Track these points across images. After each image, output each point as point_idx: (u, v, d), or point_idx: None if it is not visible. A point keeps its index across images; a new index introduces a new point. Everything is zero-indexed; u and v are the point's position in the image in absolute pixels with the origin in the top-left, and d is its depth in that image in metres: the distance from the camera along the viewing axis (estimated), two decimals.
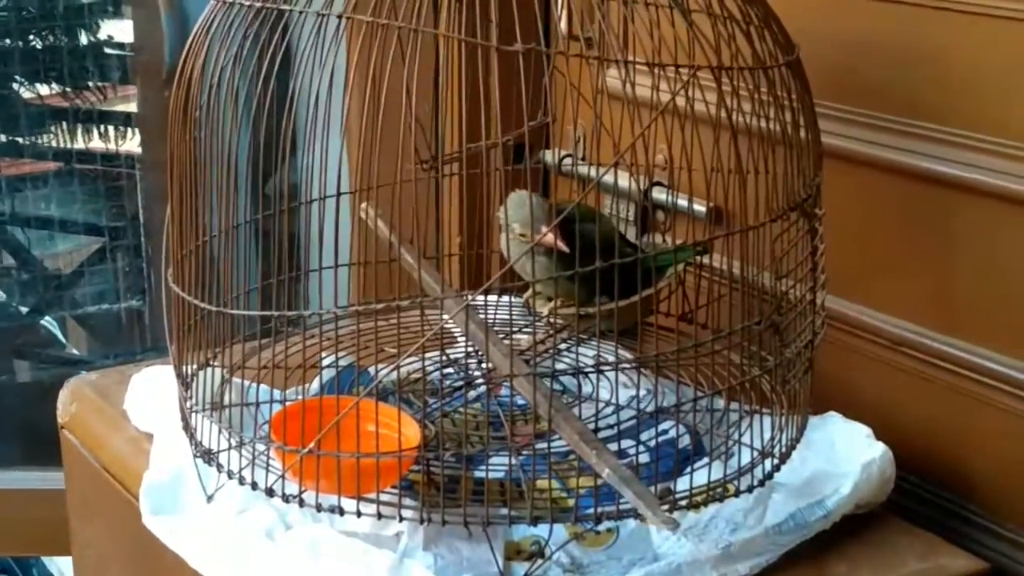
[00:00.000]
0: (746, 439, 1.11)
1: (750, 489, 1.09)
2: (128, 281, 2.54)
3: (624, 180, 1.39)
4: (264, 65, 1.06)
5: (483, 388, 1.22)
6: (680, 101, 1.02)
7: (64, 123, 2.49)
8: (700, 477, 1.08)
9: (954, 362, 1.26)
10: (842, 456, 1.16)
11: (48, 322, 2.59)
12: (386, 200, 1.15)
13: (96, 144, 2.52)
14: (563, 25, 1.36)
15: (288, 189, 1.13)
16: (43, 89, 2.50)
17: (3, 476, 2.20)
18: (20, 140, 2.49)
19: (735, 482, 1.08)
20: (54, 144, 2.51)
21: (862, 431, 1.19)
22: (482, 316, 1.20)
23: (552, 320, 1.30)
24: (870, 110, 1.29)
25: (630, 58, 1.02)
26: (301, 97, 1.07)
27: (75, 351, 2.64)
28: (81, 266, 2.60)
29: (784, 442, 1.13)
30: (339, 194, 1.11)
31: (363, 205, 1.19)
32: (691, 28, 1.02)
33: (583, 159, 1.55)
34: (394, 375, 1.06)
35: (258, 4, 1.07)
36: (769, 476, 1.10)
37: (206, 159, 1.12)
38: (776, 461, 1.11)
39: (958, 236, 1.25)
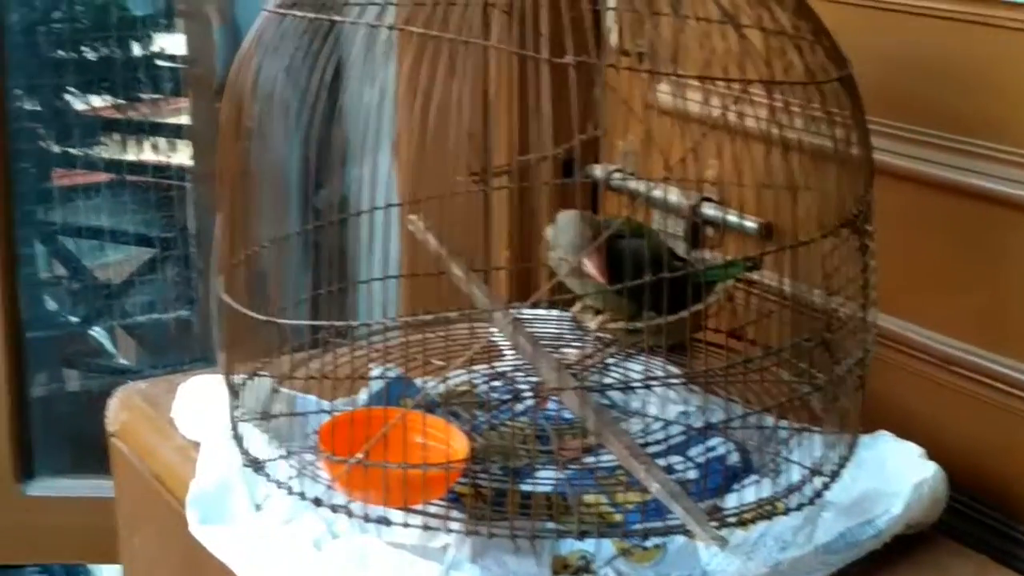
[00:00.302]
0: (796, 456, 1.10)
1: (800, 507, 1.08)
2: (177, 292, 2.55)
3: (674, 195, 1.39)
4: (315, 77, 1.06)
5: (531, 401, 1.22)
6: (731, 116, 1.01)
7: (116, 134, 2.51)
8: (749, 494, 1.07)
9: (1005, 381, 1.24)
10: (893, 475, 1.15)
11: (98, 331, 2.61)
12: (436, 212, 1.15)
13: (148, 155, 2.54)
14: (614, 38, 1.36)
15: (337, 200, 1.13)
16: (96, 101, 2.52)
17: (53, 484, 2.22)
18: (73, 151, 2.51)
19: (784, 500, 1.08)
20: (106, 155, 2.53)
21: (914, 450, 1.18)
22: (530, 329, 1.19)
23: (600, 334, 1.30)
24: (921, 127, 1.28)
25: (680, 72, 1.01)
26: (352, 109, 1.07)
27: (124, 361, 2.66)
28: (131, 276, 2.62)
29: (834, 460, 1.12)
30: (388, 206, 1.11)
31: (412, 217, 1.20)
32: (742, 43, 1.02)
33: (633, 174, 1.54)
34: (442, 387, 1.06)
35: (310, 16, 1.08)
36: (819, 494, 1.09)
37: (257, 170, 1.12)
38: (826, 479, 1.10)
39: (1009, 253, 1.23)
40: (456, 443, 1.08)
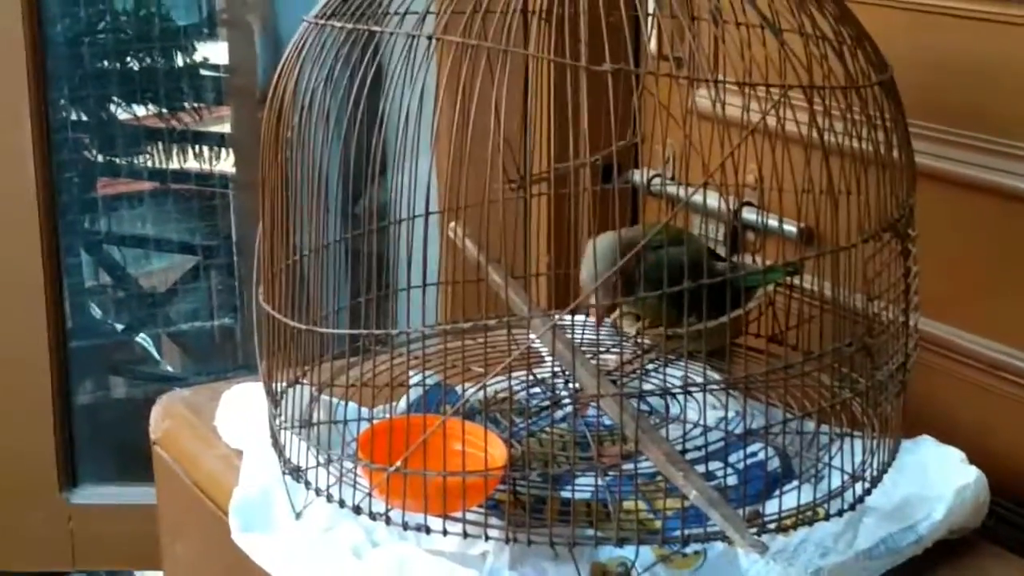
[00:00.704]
0: (836, 462, 1.09)
1: (840, 513, 1.08)
2: (221, 299, 2.57)
3: (714, 200, 1.38)
4: (355, 85, 1.07)
5: (570, 408, 1.22)
6: (771, 121, 1.01)
7: (160, 143, 2.53)
8: (789, 500, 1.06)
9: None
10: (935, 480, 1.15)
11: (143, 339, 2.62)
12: (475, 220, 1.16)
13: (191, 164, 2.55)
14: (653, 45, 1.36)
15: (377, 208, 1.14)
16: (139, 110, 2.54)
17: (98, 492, 2.23)
18: (117, 160, 2.53)
19: (825, 505, 1.07)
20: (150, 164, 2.55)
21: (956, 455, 1.17)
22: (569, 336, 1.19)
23: (640, 340, 1.29)
24: (965, 130, 1.27)
25: (720, 77, 1.01)
26: (391, 117, 1.07)
27: (169, 368, 2.68)
28: (175, 284, 2.63)
29: (875, 465, 1.11)
30: (428, 213, 1.12)
31: (451, 225, 1.20)
32: (783, 48, 1.01)
33: (672, 179, 1.54)
34: (481, 394, 1.06)
35: (349, 26, 1.08)
36: (860, 500, 1.09)
37: (297, 179, 1.13)
38: (867, 485, 1.10)
39: None
40: (495, 450, 1.08)
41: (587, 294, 1.06)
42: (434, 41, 1.04)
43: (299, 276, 1.15)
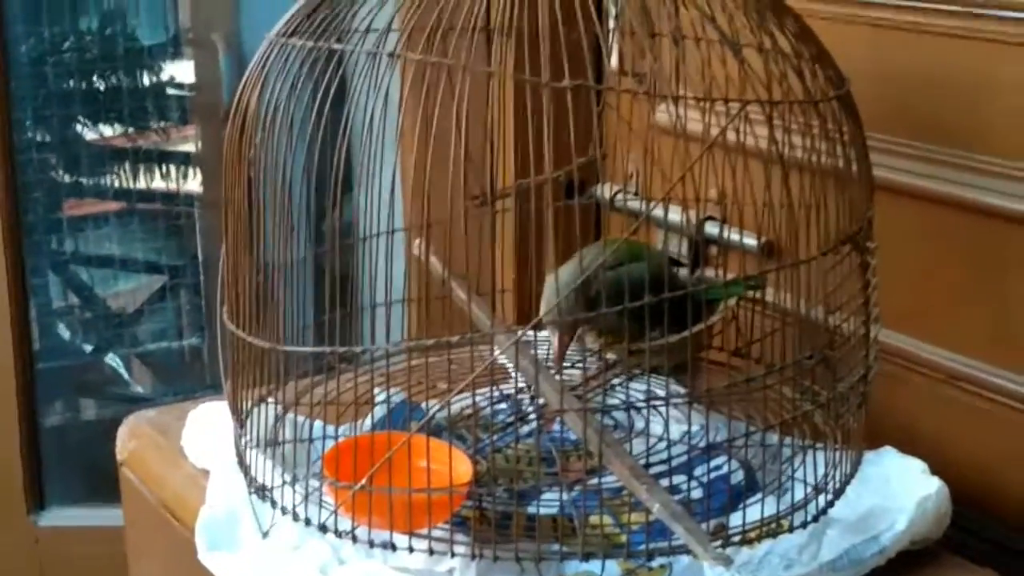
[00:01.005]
0: (800, 474, 1.10)
1: (804, 525, 1.08)
2: (188, 319, 2.56)
3: (676, 215, 1.39)
4: (318, 102, 1.07)
5: (535, 424, 1.22)
6: (732, 136, 1.02)
7: (126, 163, 2.53)
8: (753, 513, 1.07)
9: (1012, 396, 1.24)
10: (897, 491, 1.15)
11: (112, 360, 2.61)
12: (440, 236, 1.16)
13: (157, 184, 2.55)
14: (614, 61, 1.37)
15: (340, 225, 1.14)
16: (105, 130, 2.54)
17: (66, 514, 2.22)
18: (83, 180, 2.53)
19: (789, 518, 1.08)
20: (116, 184, 2.54)
21: (918, 466, 1.18)
22: (533, 352, 1.20)
23: (603, 355, 1.30)
24: (923, 142, 1.29)
25: (680, 93, 1.02)
26: (355, 134, 1.07)
27: (139, 389, 2.67)
28: (143, 305, 2.63)
29: (838, 477, 1.12)
30: (392, 231, 1.12)
31: (416, 242, 1.20)
32: (742, 66, 1.02)
33: (636, 194, 1.55)
34: (446, 411, 1.06)
35: (311, 44, 1.09)
36: (823, 512, 1.10)
37: (261, 196, 1.13)
38: (830, 496, 1.11)
39: (1013, 268, 1.24)
40: (460, 466, 1.08)
41: (546, 312, 1.07)
42: (396, 59, 1.05)
43: (263, 294, 1.15)
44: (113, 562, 1.60)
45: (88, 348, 2.61)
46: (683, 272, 1.34)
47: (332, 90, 1.07)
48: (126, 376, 2.64)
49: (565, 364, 1.32)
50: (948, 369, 1.29)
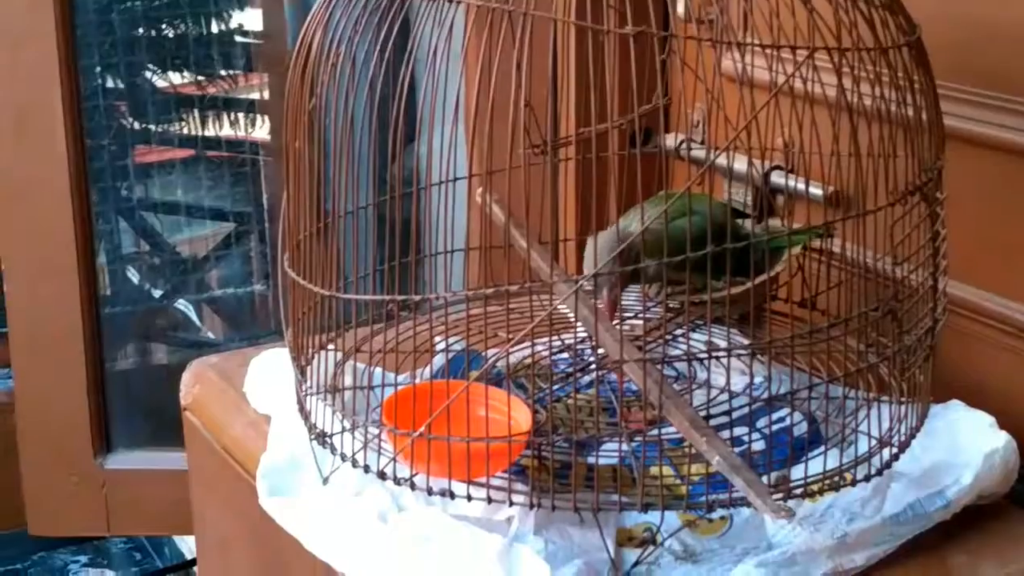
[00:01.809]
0: (864, 427, 1.09)
1: (868, 478, 1.07)
2: (254, 266, 2.57)
3: (741, 164, 1.37)
4: (383, 49, 1.06)
5: (595, 373, 1.21)
6: (799, 84, 1.00)
7: (193, 110, 2.53)
8: (816, 466, 1.06)
9: None
10: (964, 445, 1.14)
11: (180, 305, 2.63)
12: (503, 185, 1.15)
13: (224, 131, 2.55)
14: (681, 8, 1.35)
15: (400, 174, 1.13)
16: (173, 77, 2.55)
17: (132, 457, 2.25)
18: (150, 127, 2.54)
19: (852, 471, 1.07)
20: (183, 131, 2.55)
21: (985, 420, 1.16)
22: (593, 301, 1.19)
23: (666, 305, 1.29)
24: (996, 91, 1.26)
25: (747, 40, 1.00)
26: (419, 82, 1.07)
27: (207, 334, 2.69)
28: (210, 251, 2.64)
29: (904, 430, 1.11)
30: (455, 179, 1.11)
31: (479, 190, 1.19)
32: (811, 13, 1.00)
33: (701, 143, 1.53)
34: (506, 360, 1.06)
35: None
36: (887, 465, 1.08)
37: (323, 142, 1.12)
38: (895, 450, 1.09)
39: None
40: (519, 415, 1.08)
41: (606, 262, 1.05)
42: (458, 4, 1.03)
43: (325, 242, 1.15)
44: (177, 505, 1.62)
45: (157, 294, 2.63)
46: (747, 223, 1.32)
47: (394, 34, 1.06)
48: (194, 322, 2.66)
49: (627, 315, 1.31)
50: (1017, 322, 1.27)
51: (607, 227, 1.16)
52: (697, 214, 1.08)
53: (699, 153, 1.50)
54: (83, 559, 3.07)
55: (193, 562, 2.79)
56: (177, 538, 3.02)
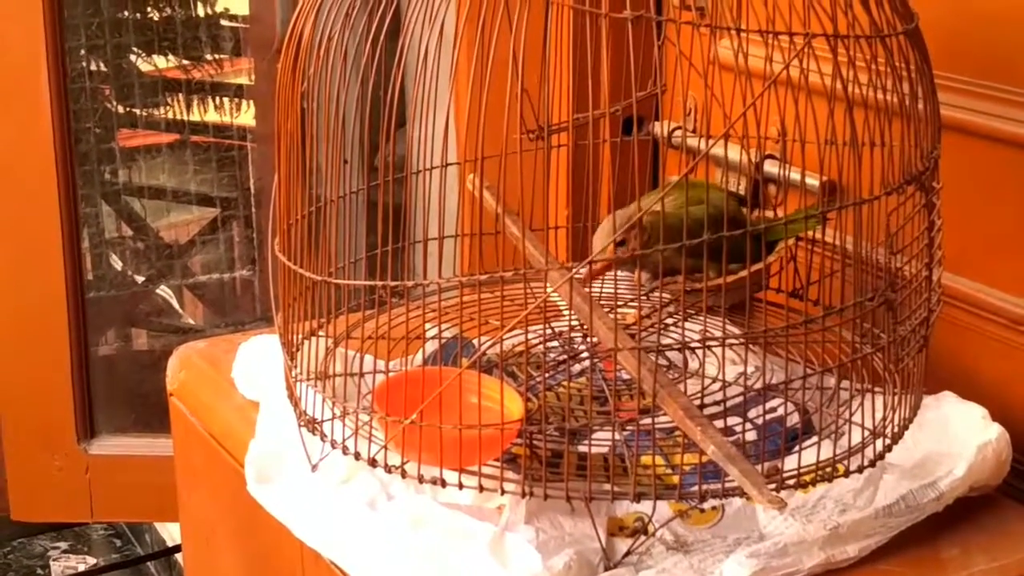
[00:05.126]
0: (857, 418, 1.08)
1: (860, 469, 1.07)
2: (239, 251, 2.56)
3: (735, 153, 1.37)
4: (374, 33, 1.05)
5: (587, 362, 1.21)
6: (794, 71, 0.99)
7: (179, 94, 2.52)
8: (809, 456, 1.05)
9: None
10: (956, 437, 1.13)
11: (163, 291, 2.62)
12: (494, 171, 1.14)
13: (210, 116, 2.54)
14: None
15: (393, 159, 1.12)
16: (159, 61, 2.53)
17: (117, 442, 2.24)
18: (136, 111, 2.53)
19: (845, 462, 1.06)
20: (169, 115, 2.54)
21: (978, 412, 1.16)
22: (587, 289, 1.18)
23: (659, 294, 1.28)
24: (994, 81, 1.25)
25: (742, 27, 0.99)
26: (410, 66, 1.06)
27: (190, 320, 2.68)
28: (195, 236, 2.63)
29: (896, 422, 1.10)
30: (446, 165, 1.10)
31: (470, 176, 1.18)
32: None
33: (694, 131, 1.52)
34: (498, 347, 1.05)
35: None
36: (880, 456, 1.08)
37: (314, 126, 1.11)
38: (888, 441, 1.09)
39: None
40: (511, 403, 1.07)
41: (605, 246, 1.05)
42: None
43: (315, 227, 1.14)
44: (162, 491, 1.61)
45: (140, 279, 2.62)
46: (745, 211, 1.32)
47: (387, 19, 1.05)
48: (177, 307, 2.65)
49: (619, 303, 1.31)
50: (1012, 314, 1.26)
51: (600, 215, 1.15)
52: (704, 203, 1.08)
53: (692, 141, 1.49)
54: (63, 545, 3.06)
55: (175, 549, 2.79)
56: (159, 525, 3.01)
